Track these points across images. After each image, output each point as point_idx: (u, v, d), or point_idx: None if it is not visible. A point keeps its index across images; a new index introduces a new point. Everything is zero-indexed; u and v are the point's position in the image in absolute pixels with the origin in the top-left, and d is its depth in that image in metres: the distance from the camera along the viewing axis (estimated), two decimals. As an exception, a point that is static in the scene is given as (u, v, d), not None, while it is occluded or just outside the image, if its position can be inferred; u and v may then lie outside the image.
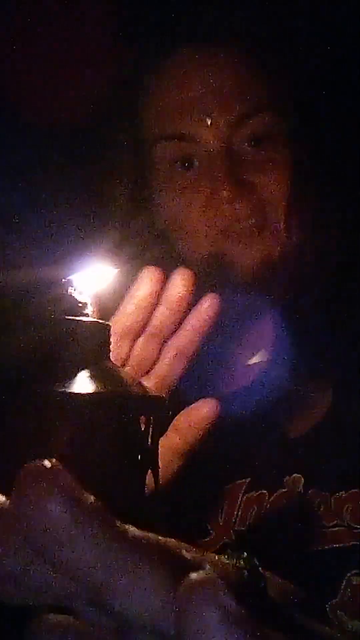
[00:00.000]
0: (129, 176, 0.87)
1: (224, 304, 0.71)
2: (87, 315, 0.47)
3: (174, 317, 0.65)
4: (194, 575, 0.27)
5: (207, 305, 0.66)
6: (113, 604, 0.28)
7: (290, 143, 0.84)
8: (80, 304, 0.47)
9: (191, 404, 0.65)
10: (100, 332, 0.47)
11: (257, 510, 0.86)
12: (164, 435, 0.65)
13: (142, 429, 0.47)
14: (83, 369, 0.45)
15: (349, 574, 0.80)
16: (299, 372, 0.88)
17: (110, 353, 0.48)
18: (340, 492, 0.83)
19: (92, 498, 0.30)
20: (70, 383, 0.44)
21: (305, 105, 0.84)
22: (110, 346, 0.47)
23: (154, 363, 0.68)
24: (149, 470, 0.46)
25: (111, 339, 0.47)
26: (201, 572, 0.28)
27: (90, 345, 0.46)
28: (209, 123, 0.82)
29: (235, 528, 0.86)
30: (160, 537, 0.30)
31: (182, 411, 0.64)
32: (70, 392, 0.44)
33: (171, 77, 0.85)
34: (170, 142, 0.85)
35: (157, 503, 0.47)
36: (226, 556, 0.37)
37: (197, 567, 0.29)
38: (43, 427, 0.45)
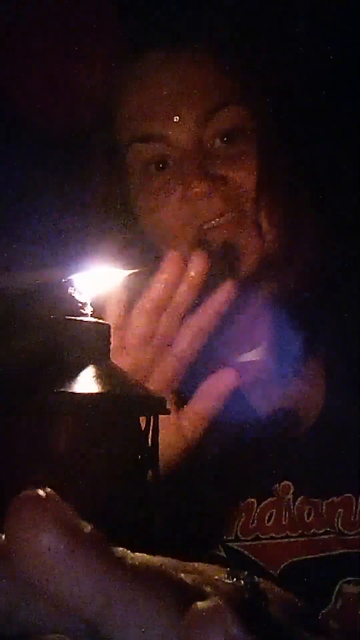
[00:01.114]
0: (105, 179, 0.88)
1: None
2: (87, 315, 0.47)
3: (192, 295, 0.69)
4: (200, 605, 0.26)
5: (226, 289, 0.71)
6: (112, 635, 0.27)
7: (260, 136, 0.84)
8: (80, 304, 0.47)
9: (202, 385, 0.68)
10: (101, 332, 0.47)
11: (245, 520, 0.85)
12: (189, 403, 0.68)
13: (142, 429, 0.47)
14: (83, 369, 0.45)
15: (340, 582, 0.80)
16: (291, 372, 0.88)
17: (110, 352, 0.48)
18: (332, 497, 0.83)
19: (89, 527, 0.29)
20: (70, 383, 0.45)
21: (273, 97, 0.84)
22: (111, 346, 0.47)
23: (175, 338, 0.73)
24: (149, 470, 0.46)
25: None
26: (207, 601, 0.27)
27: (91, 346, 0.46)
28: (176, 120, 0.83)
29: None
30: (159, 561, 0.29)
31: (206, 379, 0.68)
32: (70, 392, 0.44)
33: (139, 78, 0.86)
34: (142, 143, 0.86)
35: (157, 503, 0.47)
36: (225, 575, 0.36)
37: (198, 593, 0.28)
38: (43, 427, 0.45)
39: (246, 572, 0.35)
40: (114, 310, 0.66)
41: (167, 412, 0.48)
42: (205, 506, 0.87)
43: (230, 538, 0.86)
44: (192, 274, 0.69)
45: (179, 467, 0.74)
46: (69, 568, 0.27)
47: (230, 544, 0.86)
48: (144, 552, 0.41)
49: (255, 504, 0.86)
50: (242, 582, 0.35)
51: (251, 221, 0.84)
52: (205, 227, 0.83)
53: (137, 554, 0.29)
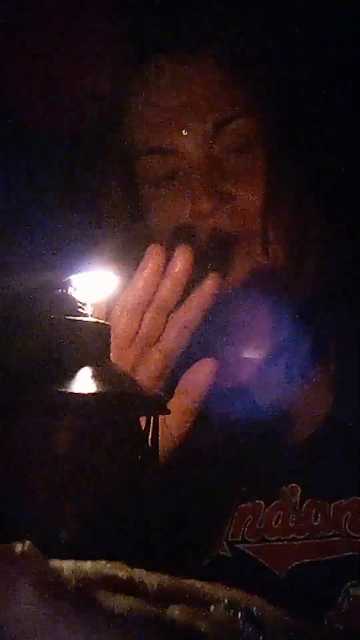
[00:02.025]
0: (119, 189, 0.88)
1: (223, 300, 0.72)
2: (87, 315, 0.47)
3: (177, 291, 0.68)
4: None
5: (210, 283, 0.69)
6: None
7: (269, 149, 0.83)
8: (80, 304, 0.47)
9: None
10: (101, 332, 0.47)
11: (252, 521, 0.85)
12: (172, 400, 0.68)
13: (142, 429, 0.47)
14: (83, 369, 0.46)
15: (346, 585, 0.80)
16: (300, 374, 0.88)
17: (111, 351, 0.48)
18: (340, 500, 0.82)
19: (72, 581, 0.28)
20: (71, 383, 0.45)
21: (283, 110, 0.84)
22: (111, 346, 0.47)
23: (160, 335, 0.72)
24: (149, 470, 0.46)
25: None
26: None
27: (91, 345, 0.46)
28: (185, 134, 0.83)
29: (229, 539, 0.86)
30: (148, 605, 0.29)
31: (185, 374, 0.67)
32: (71, 392, 0.44)
33: (150, 90, 0.85)
34: (151, 156, 0.85)
35: (157, 502, 0.47)
36: (223, 607, 0.35)
37: (190, 631, 0.28)
38: (44, 426, 0.45)
39: (243, 605, 0.35)
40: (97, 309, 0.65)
41: (167, 412, 0.48)
42: (211, 507, 0.87)
43: (237, 539, 0.86)
44: (177, 269, 0.69)
45: (188, 467, 0.73)
46: (49, 624, 0.26)
47: (237, 545, 0.86)
48: (143, 551, 0.41)
49: (263, 506, 0.86)
50: (239, 615, 0.35)
51: (257, 237, 0.83)
52: (211, 242, 0.83)
53: (121, 597, 0.29)
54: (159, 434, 0.46)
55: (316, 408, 0.88)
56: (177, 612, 0.30)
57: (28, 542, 0.28)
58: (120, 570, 0.32)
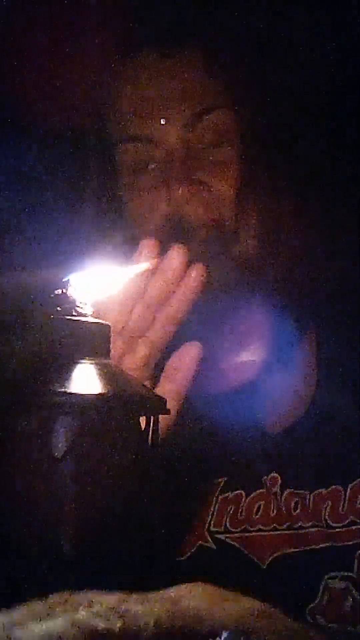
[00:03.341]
0: (99, 178, 0.88)
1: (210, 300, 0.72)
2: (87, 315, 0.47)
3: (167, 287, 0.69)
4: None
5: (194, 274, 0.69)
6: None
7: (244, 141, 0.85)
8: (80, 304, 0.47)
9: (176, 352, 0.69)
10: (101, 332, 0.47)
11: (234, 511, 0.86)
12: (157, 385, 0.68)
13: (142, 429, 0.47)
14: (83, 368, 0.45)
15: (326, 577, 0.80)
16: (283, 366, 0.89)
17: (111, 349, 0.48)
18: (321, 489, 0.83)
19: None
20: (70, 383, 0.44)
21: (260, 103, 0.85)
22: (110, 346, 0.47)
23: (148, 329, 0.73)
24: (149, 470, 0.47)
25: (111, 334, 0.47)
26: None
27: (91, 346, 0.46)
28: (163, 123, 0.84)
29: (211, 529, 0.86)
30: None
31: (169, 359, 0.67)
32: (70, 392, 0.44)
33: (131, 79, 0.87)
34: (129, 143, 0.87)
35: (158, 501, 0.47)
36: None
37: None
38: (43, 426, 0.45)
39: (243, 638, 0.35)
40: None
41: (167, 412, 0.48)
42: (194, 497, 0.87)
43: (219, 530, 0.87)
44: (170, 268, 0.69)
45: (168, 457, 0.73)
46: None
47: (218, 536, 0.87)
48: (143, 550, 0.41)
49: (244, 496, 0.87)
50: None
51: (230, 225, 0.85)
52: (187, 230, 0.84)
53: None
54: (160, 433, 0.46)
55: (297, 398, 0.89)
56: None
57: None
58: (114, 613, 0.33)
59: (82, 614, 0.32)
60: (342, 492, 0.82)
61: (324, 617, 0.79)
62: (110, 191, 0.88)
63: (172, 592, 0.37)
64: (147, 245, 0.69)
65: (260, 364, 0.88)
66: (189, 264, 0.68)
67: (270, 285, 0.86)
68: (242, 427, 0.86)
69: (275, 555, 0.83)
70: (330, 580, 0.80)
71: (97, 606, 0.33)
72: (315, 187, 0.87)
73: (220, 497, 0.87)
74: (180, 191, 0.83)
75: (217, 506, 0.87)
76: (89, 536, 0.44)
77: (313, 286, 0.89)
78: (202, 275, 0.71)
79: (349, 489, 0.81)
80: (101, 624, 0.32)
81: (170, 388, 0.71)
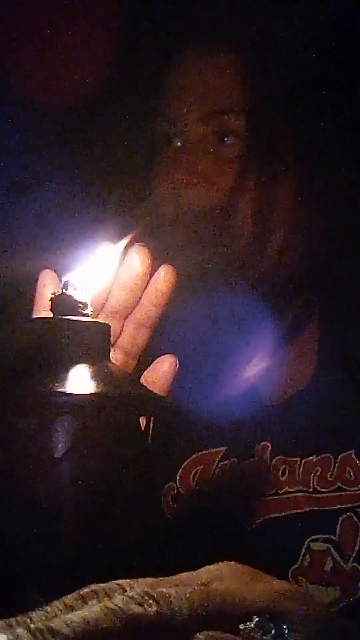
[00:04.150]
0: (126, 152, 0.92)
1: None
2: (87, 315, 0.47)
3: (130, 294, 0.64)
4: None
5: (162, 275, 0.64)
6: None
7: (250, 141, 0.89)
8: (80, 304, 0.47)
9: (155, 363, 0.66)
10: (100, 332, 0.47)
11: (223, 477, 0.88)
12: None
13: (142, 429, 0.47)
14: (83, 369, 0.45)
15: (308, 540, 0.84)
16: (283, 344, 0.90)
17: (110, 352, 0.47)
18: (312, 457, 0.86)
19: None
20: (70, 383, 0.44)
21: (274, 108, 0.89)
22: (110, 346, 0.47)
23: (116, 339, 0.70)
24: (149, 469, 0.47)
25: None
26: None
27: (90, 346, 0.46)
28: (185, 110, 0.89)
29: (208, 494, 0.89)
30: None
31: (147, 369, 0.65)
32: (70, 392, 0.44)
33: (169, 68, 0.92)
34: (155, 118, 0.91)
35: (157, 502, 0.47)
36: (254, 625, 0.36)
37: None
38: (43, 426, 0.45)
39: (274, 631, 0.35)
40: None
41: (167, 412, 0.48)
42: (185, 465, 0.90)
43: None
44: (156, 289, 0.64)
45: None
46: None
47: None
48: (142, 549, 0.41)
49: (237, 463, 0.90)
50: (270, 637, 0.35)
51: (225, 213, 0.88)
52: (188, 215, 0.87)
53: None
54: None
55: (298, 373, 0.93)
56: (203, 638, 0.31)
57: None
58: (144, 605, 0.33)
59: (117, 600, 0.32)
60: (332, 460, 0.85)
61: (305, 578, 0.82)
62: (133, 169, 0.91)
63: (203, 574, 0.37)
64: (137, 255, 0.66)
65: (260, 349, 0.90)
66: (155, 263, 0.64)
67: (269, 268, 0.88)
68: (242, 399, 0.88)
69: (260, 519, 0.86)
70: (312, 543, 0.84)
71: (131, 591, 0.34)
72: (316, 176, 0.90)
73: (220, 464, 0.89)
74: (185, 177, 0.87)
75: (216, 472, 0.89)
76: (89, 536, 0.45)
77: (314, 266, 0.91)
78: (172, 278, 0.67)
79: (339, 458, 0.85)
80: (137, 609, 0.32)
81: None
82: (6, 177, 0.78)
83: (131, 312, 0.64)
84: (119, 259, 0.60)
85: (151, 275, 0.62)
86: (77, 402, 0.44)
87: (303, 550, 0.84)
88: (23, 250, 0.70)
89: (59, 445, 0.44)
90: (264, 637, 0.34)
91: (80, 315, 0.46)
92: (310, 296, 0.94)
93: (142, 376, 0.63)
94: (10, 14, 0.83)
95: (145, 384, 0.61)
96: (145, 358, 0.65)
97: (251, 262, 0.88)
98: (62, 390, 0.44)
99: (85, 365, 0.45)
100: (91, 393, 0.44)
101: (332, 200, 0.89)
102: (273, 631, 0.35)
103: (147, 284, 0.62)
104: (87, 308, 0.47)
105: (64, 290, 0.47)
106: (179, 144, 0.90)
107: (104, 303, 0.64)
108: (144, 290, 0.63)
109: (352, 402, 0.88)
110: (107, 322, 0.48)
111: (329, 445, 0.86)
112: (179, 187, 0.87)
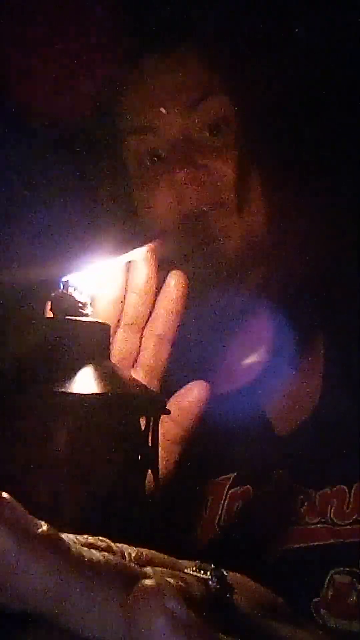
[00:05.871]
0: (107, 173, 0.90)
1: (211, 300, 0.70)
2: (87, 315, 0.47)
3: (145, 301, 0.63)
4: (143, 582, 0.28)
5: (174, 283, 0.63)
6: (68, 626, 0.29)
7: (244, 126, 0.87)
8: (80, 304, 0.47)
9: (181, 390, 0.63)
10: (100, 332, 0.47)
11: (242, 505, 0.86)
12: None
13: (142, 429, 0.47)
14: (83, 369, 0.45)
15: (332, 572, 0.81)
16: (289, 366, 0.89)
17: (111, 353, 0.47)
18: (326, 489, 0.84)
19: (43, 526, 0.29)
20: (70, 383, 0.44)
21: (255, 89, 0.87)
22: (110, 346, 0.47)
23: (138, 353, 0.66)
24: (149, 470, 0.46)
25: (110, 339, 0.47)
26: (146, 580, 0.29)
27: (90, 346, 0.46)
28: (164, 112, 0.86)
29: (221, 523, 0.87)
30: (116, 559, 0.31)
31: (172, 397, 0.62)
32: (70, 392, 0.44)
33: (136, 73, 0.89)
34: (136, 135, 0.89)
35: (157, 502, 0.47)
36: (194, 568, 0.37)
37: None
38: (43, 427, 0.45)
39: (213, 566, 0.37)
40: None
41: (167, 412, 0.48)
42: (194, 493, 0.88)
43: (228, 524, 0.87)
44: (169, 297, 0.61)
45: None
46: (21, 566, 0.28)
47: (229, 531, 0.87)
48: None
49: (252, 491, 0.87)
50: (209, 573, 0.37)
51: (234, 209, 0.85)
52: (189, 215, 0.85)
53: (95, 552, 0.30)
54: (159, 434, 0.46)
55: (304, 398, 0.90)
56: (149, 569, 0.32)
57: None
58: (100, 541, 0.33)
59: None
60: (347, 492, 0.83)
61: (328, 610, 0.80)
62: (118, 186, 0.89)
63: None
64: (146, 266, 0.63)
65: (264, 365, 0.89)
66: (161, 272, 0.61)
67: (276, 278, 0.86)
68: (250, 426, 0.87)
69: (282, 550, 0.84)
70: (336, 575, 0.81)
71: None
72: (317, 171, 0.89)
73: (230, 491, 0.87)
74: (180, 174, 0.85)
75: (227, 500, 0.87)
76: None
77: (320, 284, 0.89)
78: (184, 284, 0.63)
79: (353, 488, 0.82)
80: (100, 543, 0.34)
81: (173, 430, 0.63)
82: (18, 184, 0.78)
83: (146, 323, 0.62)
84: (124, 269, 0.59)
85: (161, 284, 0.61)
86: (78, 402, 0.44)
87: (327, 583, 0.81)
88: (25, 258, 0.70)
89: (58, 446, 0.44)
90: (204, 574, 0.37)
91: (80, 315, 0.46)
92: (314, 314, 0.91)
93: (170, 401, 0.60)
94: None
95: (173, 410, 0.58)
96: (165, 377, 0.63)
97: (251, 267, 0.87)
98: (62, 390, 0.44)
99: (85, 365, 0.45)
100: (91, 393, 0.44)
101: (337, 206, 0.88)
102: (213, 568, 0.37)
103: (157, 291, 0.61)
104: (87, 308, 0.47)
105: (64, 291, 0.47)
106: (163, 154, 0.88)
107: (119, 319, 0.62)
108: (155, 297, 0.61)
109: (358, 428, 0.84)
110: (107, 323, 0.47)
111: (341, 476, 0.83)
112: (179, 186, 0.86)
